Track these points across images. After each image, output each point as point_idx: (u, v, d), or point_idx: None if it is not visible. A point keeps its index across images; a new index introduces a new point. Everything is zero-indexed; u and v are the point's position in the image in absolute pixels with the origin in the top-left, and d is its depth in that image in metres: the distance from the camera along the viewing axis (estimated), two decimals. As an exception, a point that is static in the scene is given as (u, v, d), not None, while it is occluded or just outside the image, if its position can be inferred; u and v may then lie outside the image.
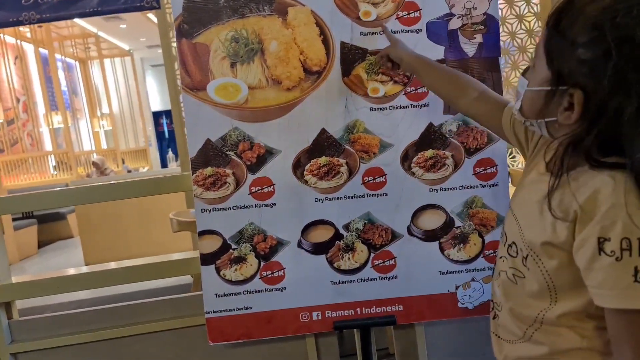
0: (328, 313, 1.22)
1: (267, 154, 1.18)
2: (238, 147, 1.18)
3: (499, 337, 0.78)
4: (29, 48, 6.82)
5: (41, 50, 6.87)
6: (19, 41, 6.47)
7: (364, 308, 1.23)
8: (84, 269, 1.42)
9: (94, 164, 6.35)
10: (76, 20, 6.36)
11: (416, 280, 1.22)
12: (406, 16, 1.17)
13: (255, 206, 1.19)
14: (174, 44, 2.64)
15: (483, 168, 1.21)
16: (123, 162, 8.11)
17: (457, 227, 1.22)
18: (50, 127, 6.82)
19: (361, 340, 1.28)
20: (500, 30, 1.21)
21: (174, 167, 6.55)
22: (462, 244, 1.22)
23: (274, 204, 1.19)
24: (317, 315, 1.22)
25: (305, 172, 1.19)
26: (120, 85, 9.05)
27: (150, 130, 9.84)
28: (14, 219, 4.66)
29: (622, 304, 0.58)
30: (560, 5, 0.63)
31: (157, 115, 10.98)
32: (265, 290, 1.21)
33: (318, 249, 1.21)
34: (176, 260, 1.44)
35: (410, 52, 1.08)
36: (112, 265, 1.47)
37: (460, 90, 0.97)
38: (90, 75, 8.57)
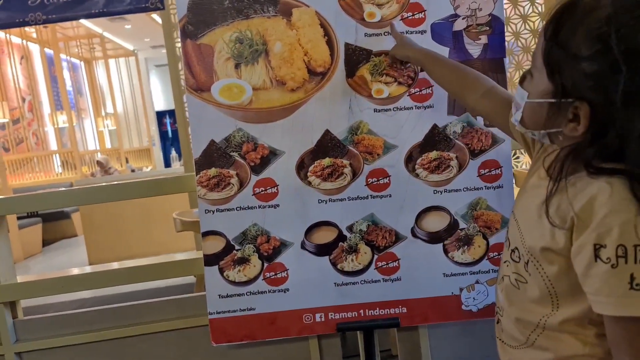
0: (331, 315, 1.22)
1: (271, 155, 1.18)
2: (242, 148, 1.18)
3: (502, 342, 0.77)
4: (34, 48, 6.86)
5: (47, 50, 6.91)
6: (24, 41, 6.51)
7: (367, 310, 1.22)
8: (89, 269, 1.43)
9: (98, 163, 6.38)
10: (81, 21, 6.38)
11: (420, 282, 1.22)
12: (411, 17, 1.17)
13: (259, 207, 1.19)
14: (178, 45, 2.66)
15: (487, 170, 1.20)
16: (127, 162, 8.14)
17: (461, 229, 1.21)
18: (55, 126, 6.86)
19: (364, 342, 1.27)
20: (505, 30, 1.21)
21: (177, 167, 6.56)
22: (466, 246, 1.21)
23: (278, 205, 1.19)
24: (320, 317, 1.22)
25: (309, 173, 1.19)
26: (124, 85, 9.08)
27: (153, 130, 9.88)
28: (18, 218, 4.69)
29: (619, 312, 0.58)
30: (556, 14, 0.62)
31: (160, 115, 11.02)
32: (269, 292, 1.21)
33: (321, 250, 1.21)
34: (180, 260, 1.44)
35: (417, 49, 1.08)
36: (116, 265, 1.47)
37: (468, 86, 0.96)
38: (95, 75, 8.61)
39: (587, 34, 0.57)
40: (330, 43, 1.16)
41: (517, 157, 2.28)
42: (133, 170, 7.47)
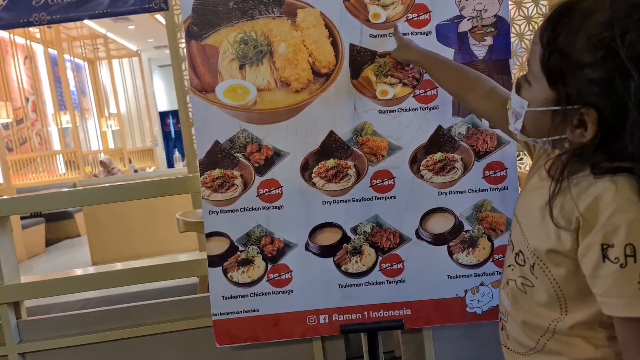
0: (335, 316, 1.22)
1: (275, 156, 1.18)
2: (246, 149, 1.18)
3: (509, 349, 0.76)
4: (38, 48, 6.88)
5: (50, 50, 6.93)
6: (28, 41, 6.52)
7: (371, 312, 1.22)
8: (93, 270, 1.43)
9: (102, 163, 6.39)
10: (85, 21, 6.40)
11: (424, 284, 1.22)
12: (416, 18, 1.16)
13: (263, 208, 1.19)
14: (182, 45, 2.66)
15: (492, 171, 1.20)
16: (130, 162, 8.16)
17: (466, 231, 1.21)
18: (59, 126, 6.87)
19: (368, 344, 1.27)
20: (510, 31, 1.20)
21: (180, 167, 6.57)
22: (471, 248, 1.21)
23: (282, 206, 1.19)
24: (324, 319, 1.22)
25: (313, 175, 1.18)
26: (127, 85, 9.10)
27: (157, 130, 9.89)
28: (22, 218, 4.70)
29: (630, 312, 0.57)
30: (552, 19, 0.60)
31: (163, 115, 11.04)
32: (273, 293, 1.21)
33: (325, 251, 1.20)
34: (184, 261, 1.44)
35: (419, 51, 1.07)
36: (121, 266, 1.47)
37: (469, 87, 0.96)
38: (98, 75, 8.63)
39: (589, 40, 0.57)
40: (335, 44, 1.16)
41: (521, 159, 2.27)
42: (136, 171, 7.49)
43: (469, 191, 1.20)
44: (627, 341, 0.60)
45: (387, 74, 1.17)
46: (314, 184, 1.19)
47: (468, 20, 1.17)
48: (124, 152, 8.23)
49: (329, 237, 1.20)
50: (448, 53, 1.16)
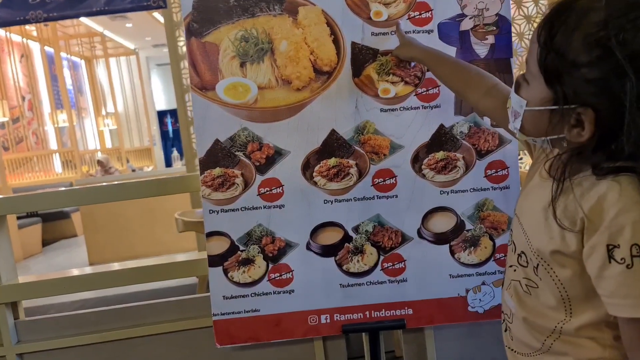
0: (337, 316, 1.21)
1: (276, 155, 1.17)
2: (247, 147, 1.17)
3: (513, 351, 0.75)
4: (35, 46, 6.85)
5: (47, 48, 6.90)
6: (25, 39, 6.49)
7: (373, 311, 1.21)
8: (92, 270, 1.42)
9: (99, 162, 6.37)
10: (82, 19, 6.37)
11: (426, 284, 1.21)
12: (418, 16, 1.16)
13: (264, 207, 1.18)
14: (180, 44, 2.65)
15: (494, 170, 1.19)
16: (127, 161, 8.13)
17: (467, 230, 1.20)
18: (56, 125, 6.85)
19: (370, 344, 1.26)
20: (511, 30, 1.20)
21: (178, 167, 6.55)
22: (472, 247, 1.20)
23: (283, 206, 1.18)
24: (326, 319, 1.21)
25: (314, 174, 1.18)
26: (125, 84, 9.07)
27: (154, 130, 9.86)
28: (18, 217, 4.68)
29: (637, 313, 0.57)
30: (549, 18, 0.60)
31: (161, 115, 11.00)
32: (274, 293, 1.20)
33: (327, 251, 1.20)
34: (183, 261, 1.43)
35: (421, 48, 1.07)
36: (119, 266, 1.46)
37: (471, 84, 0.96)
38: (95, 74, 8.60)
39: (585, 39, 0.56)
40: (336, 42, 1.15)
41: (521, 158, 2.27)
42: (134, 170, 7.46)
43: (471, 190, 1.19)
44: (632, 341, 0.59)
45: (389, 73, 1.16)
46: (315, 183, 1.18)
47: (470, 18, 1.16)
48: (121, 151, 8.21)
49: (330, 237, 1.20)
50: (450, 51, 1.16)
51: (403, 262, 1.20)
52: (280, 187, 1.18)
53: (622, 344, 0.62)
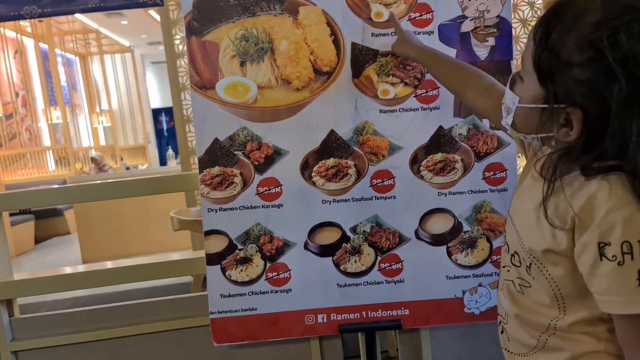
0: (333, 316, 1.21)
1: (275, 155, 1.17)
2: (246, 146, 1.17)
3: (510, 352, 0.76)
4: (29, 42, 6.79)
5: (41, 45, 6.84)
6: (19, 35, 6.44)
7: (369, 311, 1.22)
8: (87, 268, 1.41)
9: (93, 159, 6.33)
10: (77, 15, 6.33)
11: (423, 285, 1.22)
12: (418, 18, 1.16)
13: (262, 207, 1.18)
14: (177, 42, 2.63)
15: (492, 172, 1.20)
16: (121, 159, 8.08)
17: (465, 232, 1.21)
18: (49, 122, 6.79)
19: (366, 344, 1.27)
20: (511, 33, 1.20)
21: (173, 165, 6.52)
22: (469, 249, 1.21)
23: (281, 205, 1.18)
24: (323, 318, 1.21)
25: (313, 174, 1.18)
26: (120, 81, 9.02)
27: (149, 128, 9.80)
28: (10, 214, 4.64)
29: (629, 309, 0.58)
30: (546, 17, 0.61)
31: (156, 113, 10.94)
32: (271, 292, 1.20)
33: (324, 251, 1.20)
34: (178, 260, 1.43)
35: (418, 46, 1.07)
36: (115, 264, 1.45)
37: (468, 83, 0.96)
38: (90, 71, 8.54)
39: (578, 40, 0.57)
40: (336, 42, 1.15)
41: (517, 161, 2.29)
42: (128, 168, 7.42)
43: (469, 192, 1.20)
44: (626, 338, 0.60)
45: (388, 74, 1.16)
46: (313, 183, 1.18)
47: (470, 20, 1.17)
48: (115, 149, 8.15)
49: (328, 237, 1.20)
50: (450, 53, 1.16)
51: (400, 263, 1.21)
52: (279, 187, 1.18)
53: (616, 337, 0.63)
